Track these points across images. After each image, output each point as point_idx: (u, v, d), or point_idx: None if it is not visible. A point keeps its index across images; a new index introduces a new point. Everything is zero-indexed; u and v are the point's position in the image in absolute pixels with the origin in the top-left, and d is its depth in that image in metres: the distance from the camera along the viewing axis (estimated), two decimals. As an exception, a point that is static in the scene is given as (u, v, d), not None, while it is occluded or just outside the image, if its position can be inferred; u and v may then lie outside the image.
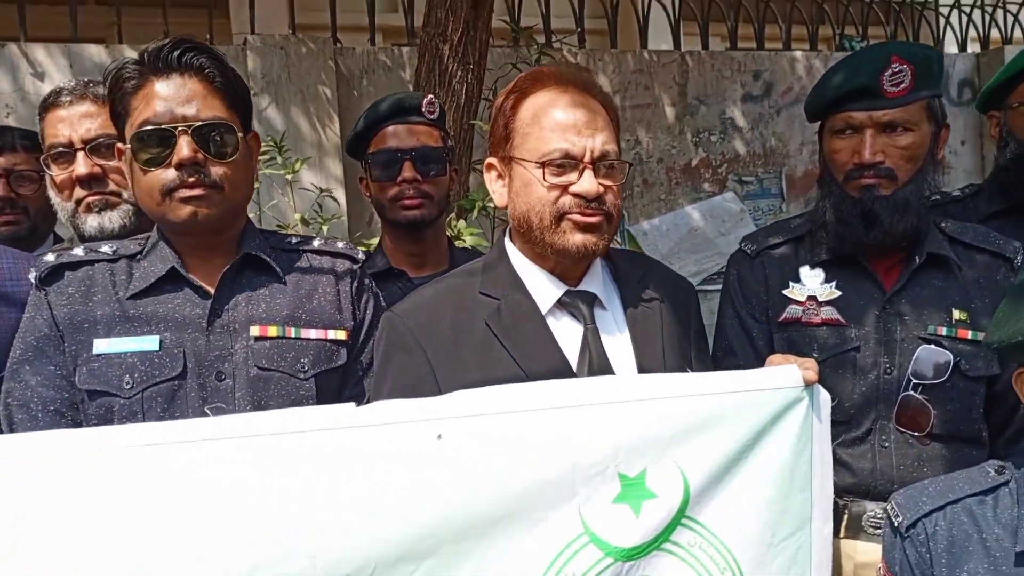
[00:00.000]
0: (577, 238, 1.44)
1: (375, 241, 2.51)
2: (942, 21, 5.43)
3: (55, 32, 4.29)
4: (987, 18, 5.49)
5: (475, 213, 2.87)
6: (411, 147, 2.09)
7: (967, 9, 5.39)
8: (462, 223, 2.79)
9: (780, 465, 1.39)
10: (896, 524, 1.43)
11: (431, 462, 1.24)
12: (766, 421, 1.39)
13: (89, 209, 1.83)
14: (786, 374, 1.41)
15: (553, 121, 1.44)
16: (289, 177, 2.94)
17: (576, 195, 1.42)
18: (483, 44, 2.91)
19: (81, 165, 1.81)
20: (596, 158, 1.43)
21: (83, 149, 1.82)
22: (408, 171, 2.06)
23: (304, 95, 3.79)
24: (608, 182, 1.45)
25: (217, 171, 1.47)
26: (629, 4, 4.82)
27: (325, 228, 3.01)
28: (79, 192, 1.84)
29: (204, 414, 1.41)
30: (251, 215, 2.87)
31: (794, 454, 1.41)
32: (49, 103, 1.91)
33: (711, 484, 1.36)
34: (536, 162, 1.43)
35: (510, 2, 4.41)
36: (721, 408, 1.37)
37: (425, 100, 2.13)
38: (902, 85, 1.66)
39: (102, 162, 1.82)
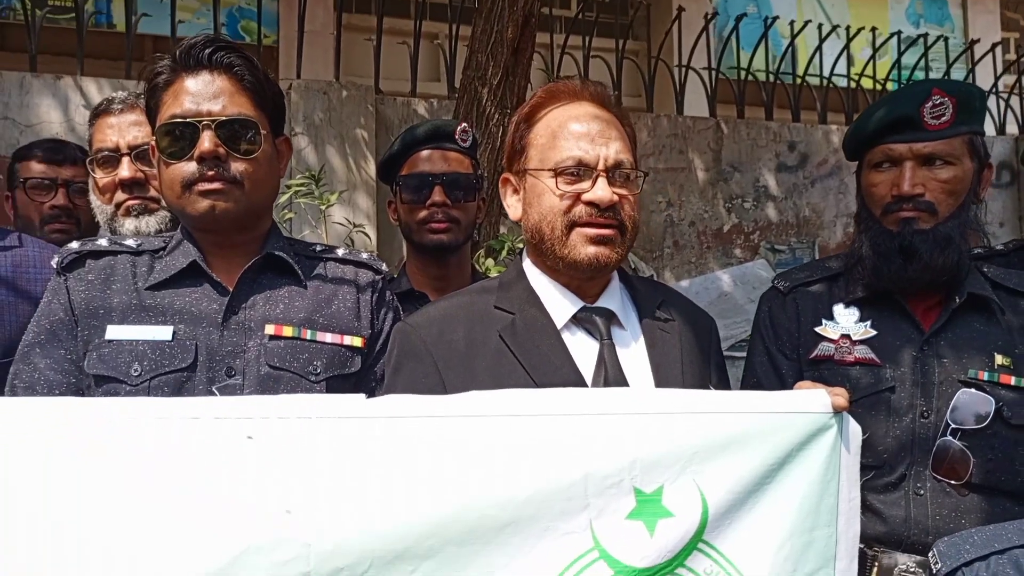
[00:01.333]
0: (589, 250, 1.40)
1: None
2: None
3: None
4: (1004, 103, 5.50)
5: (503, 254, 2.87)
6: (443, 172, 2.10)
7: (1004, 94, 5.40)
8: (490, 262, 2.78)
9: (805, 495, 1.32)
10: (935, 571, 1.34)
11: (438, 460, 1.19)
12: (792, 446, 1.32)
13: (128, 213, 1.88)
14: (815, 398, 1.35)
15: (567, 131, 1.43)
16: (323, 208, 2.97)
17: (589, 203, 1.40)
18: (521, 90, 2.96)
19: (124, 169, 1.87)
20: (610, 166, 1.41)
21: (128, 154, 1.88)
22: (438, 195, 2.07)
23: (343, 138, 3.88)
24: (623, 191, 1.42)
25: (238, 167, 1.47)
26: (666, 73, 4.91)
27: (375, 255, 3.04)
28: (120, 196, 1.89)
29: (212, 394, 1.37)
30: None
31: (821, 485, 1.33)
32: (100, 110, 1.99)
33: (731, 509, 1.28)
34: (549, 171, 1.42)
35: (549, 68, 4.52)
36: (745, 428, 1.30)
37: (459, 128, 2.15)
38: (943, 118, 1.63)
39: (145, 168, 1.88)
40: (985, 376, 1.60)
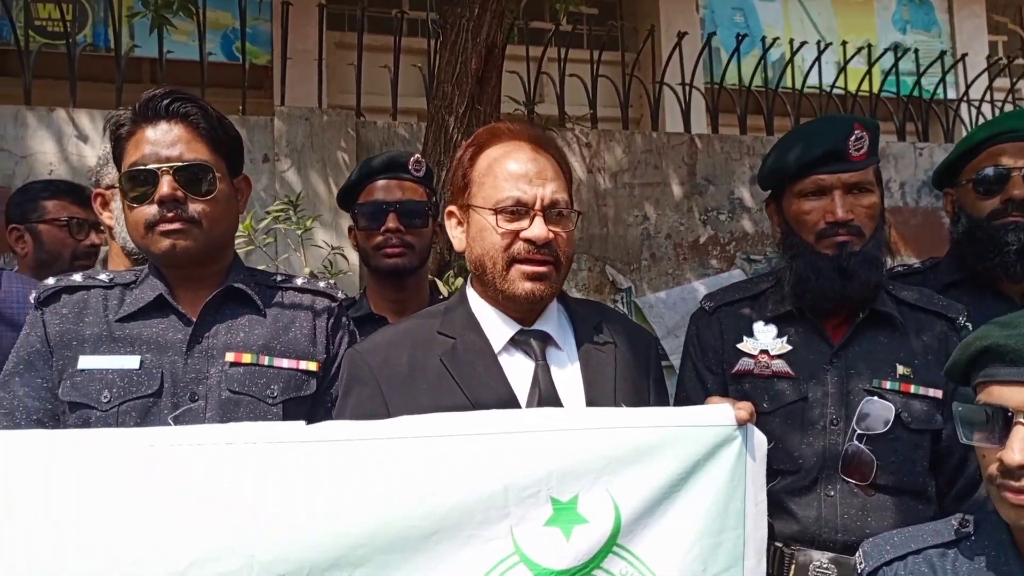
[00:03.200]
0: (526, 286, 1.53)
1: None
2: (951, 114, 5.57)
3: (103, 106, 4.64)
4: (997, 111, 5.62)
5: (473, 273, 3.00)
6: (396, 200, 2.25)
7: (976, 103, 5.52)
8: (460, 280, 2.92)
9: (712, 501, 1.45)
10: (860, 570, 1.47)
11: (370, 477, 1.33)
12: (698, 457, 1.45)
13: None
14: (719, 412, 1.48)
15: (506, 171, 1.54)
16: (300, 233, 3.11)
17: (527, 240, 1.52)
18: (487, 117, 3.09)
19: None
20: (546, 206, 1.53)
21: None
22: (392, 222, 2.22)
23: (325, 162, 4.03)
24: (558, 229, 1.55)
25: (196, 208, 1.60)
26: (641, 88, 5.05)
27: (331, 282, 3.16)
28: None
29: (169, 424, 1.51)
30: (262, 267, 3.05)
31: (727, 491, 1.46)
32: None
33: (643, 514, 1.41)
34: (490, 209, 1.53)
35: (527, 87, 4.66)
36: (654, 441, 1.43)
37: (412, 159, 2.30)
38: (862, 150, 1.78)
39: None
40: (888, 385, 1.74)
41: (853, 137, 1.78)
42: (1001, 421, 1.26)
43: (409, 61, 4.69)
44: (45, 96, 4.20)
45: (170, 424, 1.51)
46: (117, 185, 1.79)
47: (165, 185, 1.58)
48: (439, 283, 2.84)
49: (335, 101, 5.39)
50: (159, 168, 1.58)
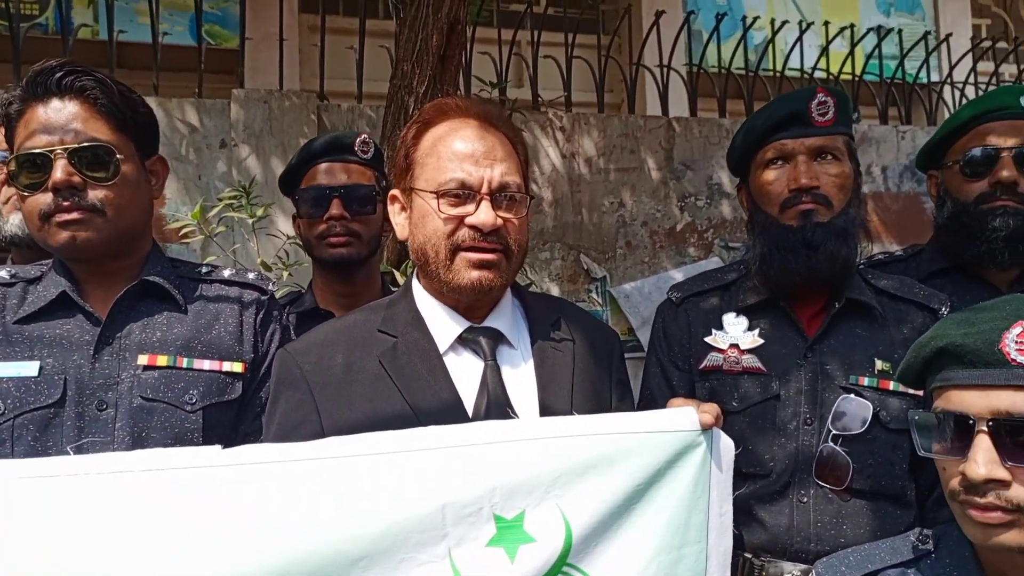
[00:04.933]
0: (472, 275, 1.38)
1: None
2: (934, 96, 5.45)
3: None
4: (980, 94, 5.50)
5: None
6: (340, 184, 2.07)
7: (959, 85, 5.40)
8: (419, 272, 2.76)
9: (673, 513, 1.31)
10: None
11: (289, 502, 1.18)
12: (659, 465, 1.31)
13: (14, 208, 1.84)
14: (682, 416, 1.34)
15: (450, 151, 1.39)
16: (252, 222, 2.94)
17: (472, 227, 1.37)
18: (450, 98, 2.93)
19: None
20: (494, 189, 1.38)
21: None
22: (336, 208, 2.04)
23: (285, 147, 3.85)
24: (508, 215, 1.40)
25: (96, 195, 1.44)
26: (618, 71, 4.88)
27: (286, 274, 3.00)
28: (6, 192, 1.86)
29: (67, 453, 1.34)
30: (213, 257, 2.88)
31: (690, 502, 1.33)
32: None
33: (597, 531, 1.28)
34: (432, 192, 1.38)
35: (498, 68, 4.49)
36: (609, 450, 1.29)
37: (359, 139, 2.12)
38: (827, 116, 1.68)
39: None
40: (865, 382, 1.61)
41: (815, 101, 1.69)
42: (962, 430, 1.12)
43: (378, 43, 4.50)
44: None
45: (69, 453, 1.33)
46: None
47: (59, 170, 1.40)
48: (397, 275, 2.68)
49: (308, 86, 5.18)
50: (51, 151, 1.41)
